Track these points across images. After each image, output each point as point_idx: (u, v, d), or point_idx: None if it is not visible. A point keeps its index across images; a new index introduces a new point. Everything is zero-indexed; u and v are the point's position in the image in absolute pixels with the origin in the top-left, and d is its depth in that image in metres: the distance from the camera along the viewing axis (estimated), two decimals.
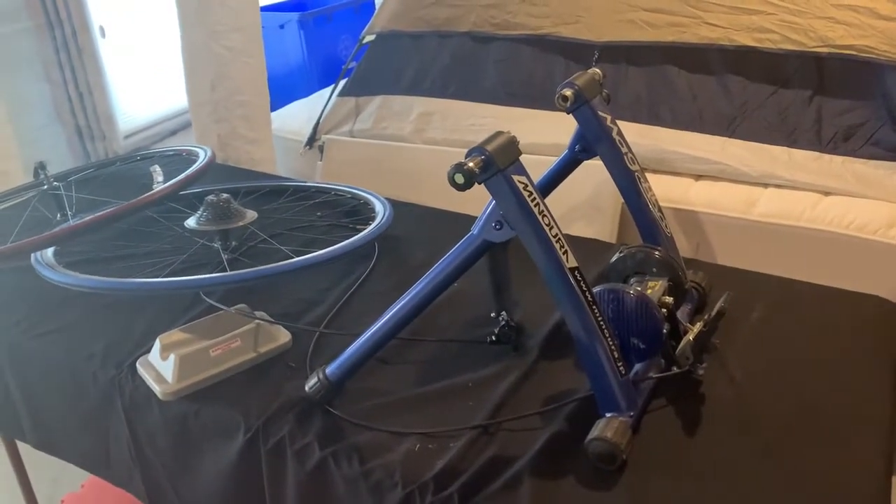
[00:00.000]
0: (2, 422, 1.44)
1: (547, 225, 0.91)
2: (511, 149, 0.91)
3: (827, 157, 2.00)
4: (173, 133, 3.00)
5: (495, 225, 0.93)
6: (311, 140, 2.51)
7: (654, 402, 1.03)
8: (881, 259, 1.81)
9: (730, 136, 2.10)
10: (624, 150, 1.15)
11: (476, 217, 1.55)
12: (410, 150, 2.36)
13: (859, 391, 1.04)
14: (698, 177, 2.10)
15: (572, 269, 0.92)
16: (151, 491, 1.23)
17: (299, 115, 2.68)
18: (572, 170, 1.23)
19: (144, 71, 2.89)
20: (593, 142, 1.14)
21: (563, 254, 0.91)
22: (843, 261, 1.83)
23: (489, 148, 0.89)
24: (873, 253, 1.82)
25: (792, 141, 2.05)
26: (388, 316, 1.03)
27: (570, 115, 1.15)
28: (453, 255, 0.99)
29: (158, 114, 2.98)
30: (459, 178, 0.87)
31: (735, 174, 2.04)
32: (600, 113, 1.13)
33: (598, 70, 1.17)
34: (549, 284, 0.93)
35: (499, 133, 0.93)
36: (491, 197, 0.93)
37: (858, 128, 2.00)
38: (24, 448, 1.74)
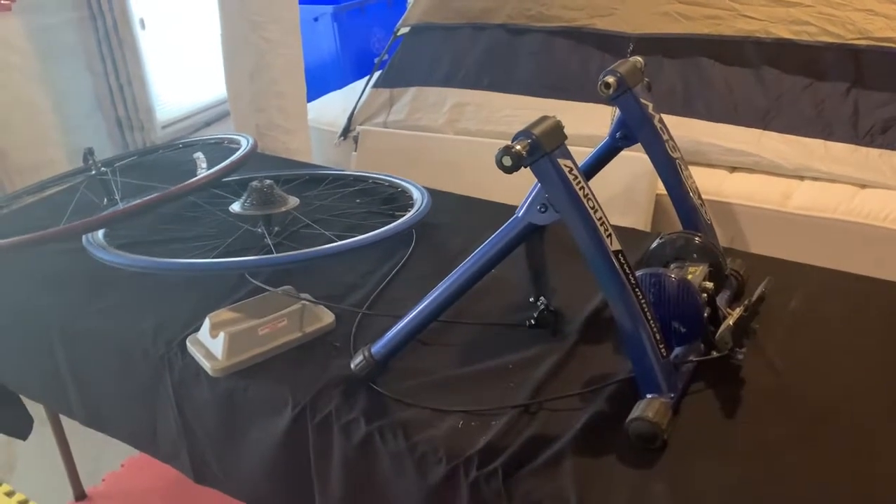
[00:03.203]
0: (51, 398, 1.49)
1: (592, 208, 0.93)
2: (557, 133, 0.93)
3: (864, 149, 1.99)
4: (208, 124, 3.06)
5: (540, 208, 0.95)
6: (346, 131, 2.55)
7: (694, 385, 1.04)
8: None
9: (765, 129, 2.09)
10: (665, 137, 1.16)
11: (511, 206, 1.58)
12: (444, 141, 2.39)
13: (894, 380, 1.05)
14: (733, 169, 2.10)
15: (616, 253, 0.93)
16: (197, 465, 1.26)
17: (334, 107, 2.72)
18: (612, 157, 1.24)
19: (181, 63, 2.95)
20: (635, 129, 1.16)
21: (608, 237, 0.93)
22: (878, 254, 1.82)
23: (535, 132, 0.91)
24: None
25: (828, 133, 2.04)
26: (432, 297, 1.05)
27: (611, 104, 1.16)
28: (497, 237, 1.01)
29: (194, 105, 3.04)
30: (507, 161, 0.89)
31: (770, 167, 2.04)
32: (642, 101, 1.14)
33: (639, 58, 1.18)
34: (592, 267, 0.94)
35: (544, 117, 0.95)
36: (535, 181, 0.95)
37: None
38: (67, 427, 1.81)
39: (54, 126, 2.41)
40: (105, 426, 1.40)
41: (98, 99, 2.59)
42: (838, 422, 0.97)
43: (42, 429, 1.76)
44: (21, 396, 1.63)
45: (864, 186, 1.94)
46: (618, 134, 1.20)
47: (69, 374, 1.37)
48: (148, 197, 1.35)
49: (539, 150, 0.90)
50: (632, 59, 1.17)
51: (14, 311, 1.43)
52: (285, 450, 1.10)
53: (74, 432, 1.87)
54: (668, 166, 1.17)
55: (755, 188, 2.02)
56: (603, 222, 0.93)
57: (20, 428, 1.69)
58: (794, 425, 0.97)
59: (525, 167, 0.91)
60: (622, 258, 0.94)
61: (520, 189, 1.61)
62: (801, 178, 2.01)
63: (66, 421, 1.80)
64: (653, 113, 1.16)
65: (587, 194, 0.93)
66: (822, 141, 2.03)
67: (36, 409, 1.70)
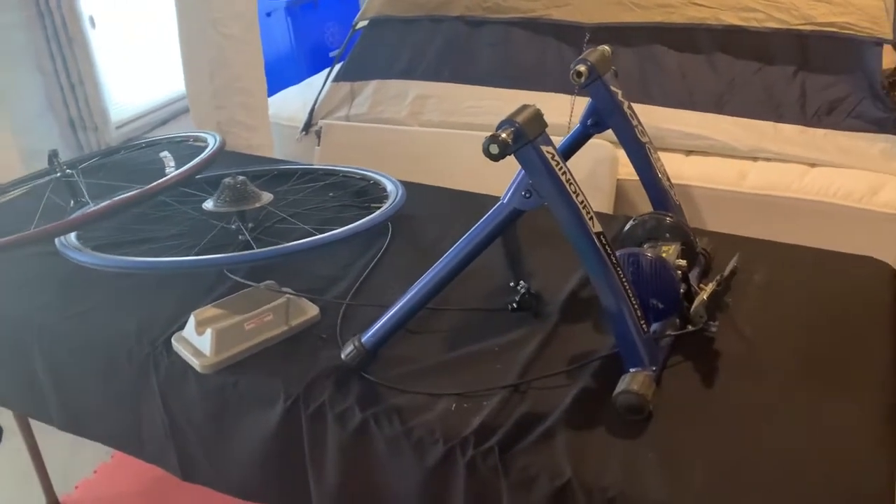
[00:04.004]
0: (27, 404, 1.46)
1: (574, 192, 0.96)
2: (538, 121, 0.96)
3: (811, 130, 2.08)
4: (164, 122, 3.00)
5: (525, 194, 0.98)
6: (308, 125, 2.54)
7: (672, 358, 1.10)
8: (865, 225, 1.90)
9: (719, 113, 2.17)
10: (635, 122, 1.21)
11: (479, 194, 1.61)
12: (407, 133, 2.40)
13: (860, 343, 1.12)
14: (689, 152, 2.17)
15: (598, 234, 0.97)
16: (185, 464, 1.27)
17: (293, 102, 2.71)
18: (583, 143, 1.28)
19: (134, 61, 2.89)
20: (606, 116, 1.20)
21: (590, 219, 0.97)
22: (830, 228, 1.92)
23: (518, 120, 0.94)
24: (858, 219, 1.91)
25: (778, 115, 2.12)
26: (420, 285, 1.07)
27: (582, 91, 1.20)
28: (483, 224, 1.04)
29: (148, 104, 2.98)
30: (494, 149, 0.92)
31: (725, 149, 2.12)
32: (612, 88, 1.18)
33: (607, 47, 1.22)
34: (577, 248, 0.98)
35: (525, 106, 0.98)
36: (499, 170, 0.99)
37: (840, 102, 2.09)
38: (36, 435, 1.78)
39: (4, 128, 2.35)
40: (86, 430, 1.39)
41: (49, 99, 2.53)
42: (806, 384, 1.03)
43: (9, 439, 1.73)
44: None
45: (813, 165, 2.03)
46: (589, 121, 1.24)
47: (48, 380, 1.35)
48: (122, 196, 1.33)
49: (523, 137, 0.93)
50: (600, 47, 1.21)
51: None
52: (278, 441, 1.12)
53: (43, 440, 1.84)
54: (639, 151, 1.21)
55: (711, 170, 2.09)
56: (585, 205, 0.97)
57: None
58: (765, 390, 1.03)
59: (510, 154, 0.94)
60: (604, 239, 0.98)
61: (484, 178, 1.66)
62: (755, 159, 2.10)
63: (35, 429, 1.78)
64: (622, 100, 1.20)
65: (569, 179, 0.97)
66: (773, 123, 2.12)
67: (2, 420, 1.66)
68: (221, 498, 1.27)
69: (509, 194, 1.00)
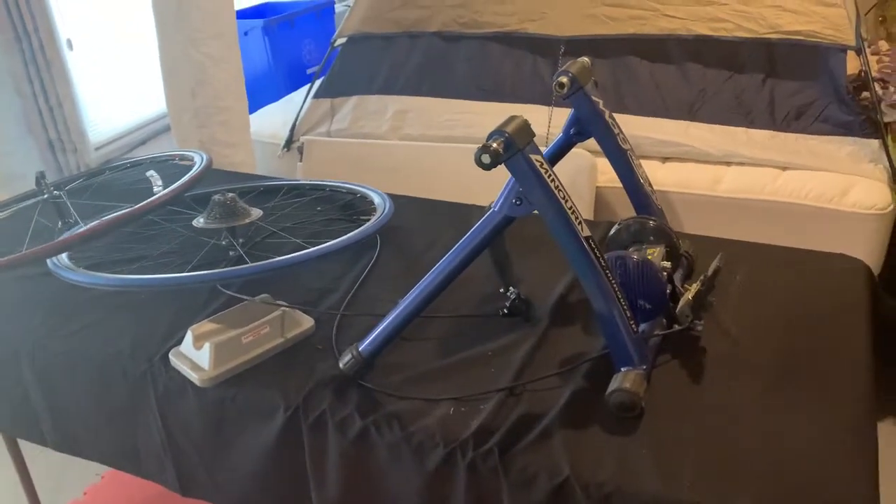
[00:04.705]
0: (19, 426, 1.46)
1: (563, 199, 1.00)
2: (526, 130, 0.99)
3: (782, 135, 2.15)
4: (142, 143, 3.01)
5: (515, 201, 1.02)
6: (289, 142, 2.57)
7: (660, 357, 1.13)
8: (837, 225, 1.97)
9: (692, 120, 2.24)
10: (616, 131, 1.25)
11: (462, 204, 1.65)
12: (389, 147, 2.44)
13: (838, 337, 1.17)
14: (665, 159, 2.23)
15: (587, 238, 1.01)
16: (183, 479, 1.27)
17: (273, 119, 2.73)
18: (566, 152, 1.32)
19: (111, 83, 2.89)
20: (588, 125, 1.24)
21: (579, 224, 1.01)
22: (803, 228, 1.98)
23: (508, 130, 0.97)
24: (829, 220, 1.98)
25: (749, 121, 2.20)
26: (415, 293, 1.10)
27: (564, 101, 1.24)
28: (475, 232, 1.07)
29: (127, 125, 2.98)
30: (486, 159, 0.95)
31: (699, 155, 2.18)
32: (593, 98, 1.23)
33: (587, 59, 1.26)
34: (566, 253, 1.01)
35: (513, 117, 1.01)
36: (509, 177, 1.02)
37: (808, 107, 2.16)
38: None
39: None
40: (80, 449, 1.39)
41: (28, 122, 2.52)
42: (789, 379, 1.08)
43: None
44: None
45: (785, 168, 2.10)
46: (572, 130, 1.28)
47: (40, 400, 1.35)
48: (115, 215, 1.35)
49: (513, 147, 0.96)
50: (581, 59, 1.25)
51: None
52: (279, 452, 1.13)
53: (29, 464, 1.82)
54: (621, 158, 1.25)
55: (687, 176, 2.15)
56: (573, 211, 1.01)
57: None
58: (750, 385, 1.07)
59: (501, 163, 0.97)
60: (592, 243, 1.01)
61: (465, 188, 1.69)
62: (728, 164, 2.16)
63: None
64: (603, 109, 1.24)
65: (557, 186, 1.00)
66: (745, 129, 2.19)
67: None
68: None
69: (500, 202, 1.04)
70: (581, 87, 1.21)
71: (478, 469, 0.99)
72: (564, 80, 1.19)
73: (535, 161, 0.98)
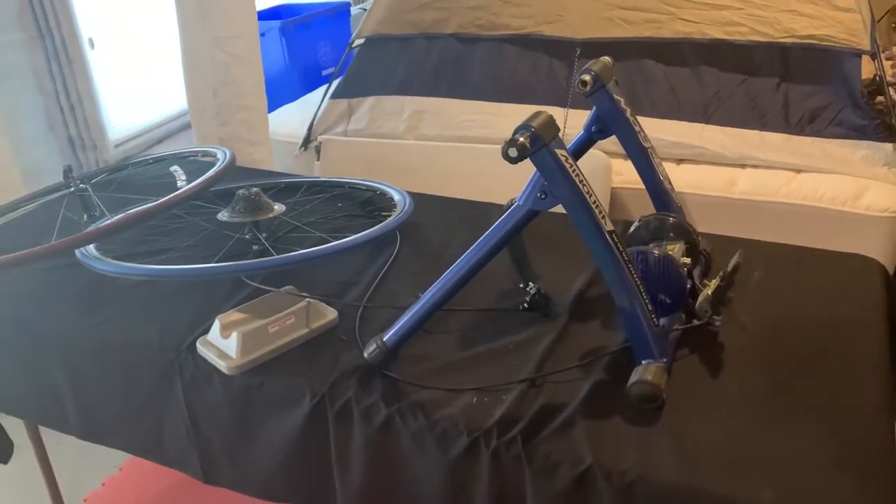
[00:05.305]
0: (45, 415, 1.48)
1: (587, 193, 1.02)
2: (552, 126, 1.01)
3: (796, 138, 2.17)
4: (160, 141, 3.04)
5: (540, 195, 1.04)
6: (307, 141, 2.59)
7: (679, 351, 1.15)
8: (851, 227, 1.98)
9: (706, 122, 2.26)
10: (637, 128, 1.27)
11: (479, 202, 1.67)
12: (405, 147, 2.46)
13: (855, 336, 1.18)
14: (680, 161, 2.25)
15: (610, 232, 1.03)
16: (207, 466, 1.29)
17: (291, 119, 2.76)
18: (587, 150, 1.34)
19: (131, 81, 2.93)
20: (610, 122, 1.26)
21: (602, 218, 1.03)
22: (817, 231, 2.00)
23: (534, 125, 0.99)
24: (843, 222, 2.00)
25: (763, 124, 2.21)
26: (439, 285, 1.12)
27: (587, 99, 1.26)
28: (500, 225, 1.09)
29: (145, 123, 3.02)
30: (513, 152, 0.97)
31: (713, 157, 2.20)
32: (615, 96, 1.25)
33: (608, 58, 1.29)
34: (590, 246, 1.04)
35: (538, 113, 1.03)
36: (533, 171, 1.04)
37: (822, 110, 2.18)
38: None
39: (6, 148, 2.37)
40: (105, 437, 1.41)
41: (49, 119, 2.56)
42: (806, 375, 1.09)
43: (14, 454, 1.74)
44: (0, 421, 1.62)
45: (799, 171, 2.12)
46: (593, 128, 1.30)
47: (67, 388, 1.38)
48: (143, 207, 1.37)
49: (539, 141, 0.99)
50: (602, 58, 1.27)
51: (3, 330, 1.42)
52: (304, 439, 1.15)
53: (49, 454, 1.85)
54: (642, 155, 1.27)
55: (701, 177, 2.17)
56: (598, 205, 1.03)
57: (1, 452, 1.67)
58: (768, 380, 1.08)
59: (527, 157, 0.99)
60: (616, 237, 1.03)
61: (481, 189, 1.71)
62: (743, 166, 2.18)
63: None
64: (625, 107, 1.26)
65: (582, 180, 1.02)
66: (759, 132, 2.21)
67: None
68: None
69: (525, 196, 1.06)
70: (603, 85, 1.23)
71: (501, 457, 1.01)
72: (587, 77, 1.21)
73: (560, 156, 1.01)
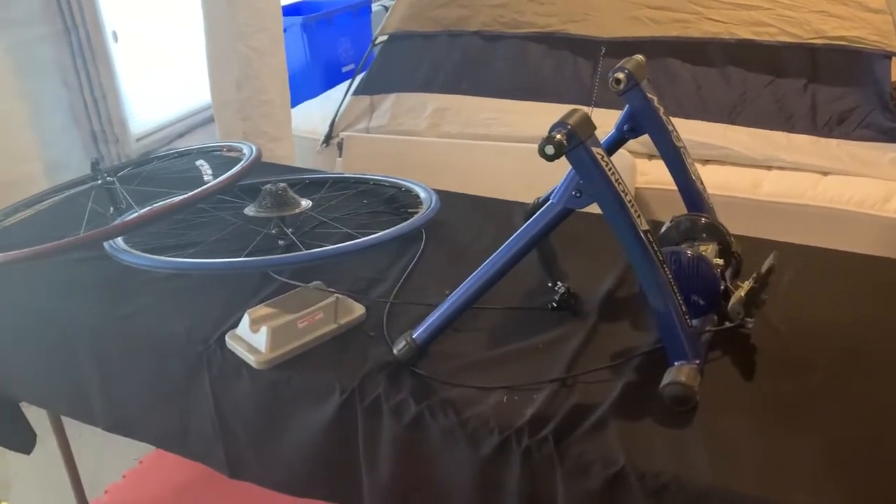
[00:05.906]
0: (72, 406, 1.49)
1: (623, 192, 1.01)
2: (588, 124, 1.01)
3: (823, 140, 2.15)
4: (181, 135, 3.04)
5: (575, 193, 1.03)
6: (329, 137, 2.59)
7: (711, 353, 1.14)
8: (878, 230, 1.96)
9: (731, 123, 2.24)
10: (670, 128, 1.26)
11: (504, 200, 1.66)
12: (427, 144, 2.46)
13: (888, 339, 1.16)
14: (706, 161, 2.23)
15: (646, 232, 1.02)
16: (233, 461, 1.30)
17: (312, 115, 2.76)
18: (618, 148, 1.33)
19: (153, 75, 2.94)
20: (643, 121, 1.25)
21: (638, 217, 1.02)
22: (844, 234, 1.97)
23: (570, 122, 0.98)
24: (871, 226, 1.97)
25: (790, 126, 2.19)
26: (470, 283, 1.11)
27: (621, 97, 1.25)
28: (533, 223, 1.08)
29: (167, 117, 3.02)
30: (550, 150, 0.96)
31: (739, 158, 2.18)
32: (648, 95, 1.24)
33: (641, 56, 1.27)
34: (624, 245, 1.03)
35: (574, 110, 1.02)
36: (570, 168, 1.03)
37: (850, 112, 2.15)
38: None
39: (31, 141, 2.39)
40: (131, 430, 1.42)
41: (73, 113, 2.57)
42: (843, 379, 1.08)
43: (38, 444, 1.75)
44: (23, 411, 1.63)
45: (826, 174, 2.09)
46: (625, 127, 1.29)
47: (94, 381, 1.38)
48: (170, 201, 1.38)
49: (575, 138, 0.98)
50: (636, 56, 1.26)
51: (32, 321, 1.43)
52: (332, 435, 1.15)
53: (71, 445, 1.86)
54: (675, 154, 1.26)
55: (727, 179, 2.15)
56: (633, 204, 1.02)
57: (24, 442, 1.68)
58: (805, 383, 1.07)
59: (563, 155, 0.99)
60: (651, 236, 1.02)
61: (503, 187, 1.70)
62: (769, 167, 2.16)
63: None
64: (658, 106, 1.25)
65: (617, 179, 1.01)
66: (785, 133, 2.19)
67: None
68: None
69: (559, 194, 1.05)
70: (637, 84, 1.22)
71: (533, 456, 1.00)
72: (621, 76, 1.20)
73: (596, 154, 1.00)
